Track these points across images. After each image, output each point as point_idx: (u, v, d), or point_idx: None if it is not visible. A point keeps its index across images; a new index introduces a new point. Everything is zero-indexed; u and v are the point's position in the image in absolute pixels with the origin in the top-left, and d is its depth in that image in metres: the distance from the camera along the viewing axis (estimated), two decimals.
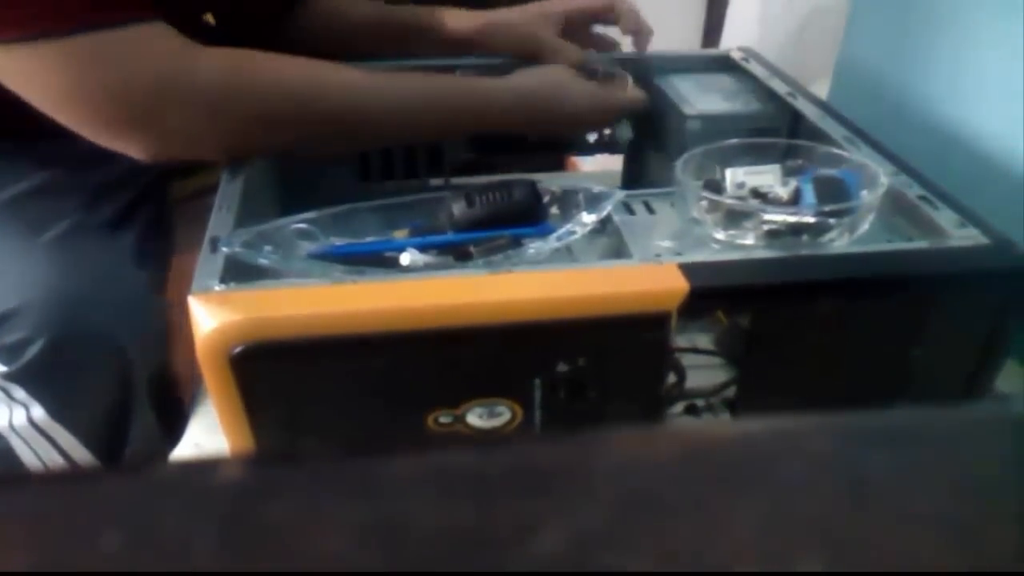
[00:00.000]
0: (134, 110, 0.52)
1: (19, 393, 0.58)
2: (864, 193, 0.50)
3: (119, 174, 0.68)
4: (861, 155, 0.56)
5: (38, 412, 0.58)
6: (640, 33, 0.74)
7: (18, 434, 0.59)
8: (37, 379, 0.57)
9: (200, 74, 0.53)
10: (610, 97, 0.69)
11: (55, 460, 0.60)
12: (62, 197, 0.63)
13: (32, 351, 0.55)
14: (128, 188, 0.69)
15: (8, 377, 0.57)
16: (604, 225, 0.54)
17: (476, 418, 0.45)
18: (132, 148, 0.54)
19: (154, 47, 0.52)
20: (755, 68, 0.73)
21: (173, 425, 0.67)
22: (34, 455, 0.60)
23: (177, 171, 0.79)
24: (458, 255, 0.51)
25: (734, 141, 0.57)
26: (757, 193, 0.52)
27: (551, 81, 0.67)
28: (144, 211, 0.69)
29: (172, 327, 0.61)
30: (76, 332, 0.55)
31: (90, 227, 0.62)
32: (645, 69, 0.74)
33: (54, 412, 0.58)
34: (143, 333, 0.59)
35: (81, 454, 0.60)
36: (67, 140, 0.54)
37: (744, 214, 0.50)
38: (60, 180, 0.65)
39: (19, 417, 0.59)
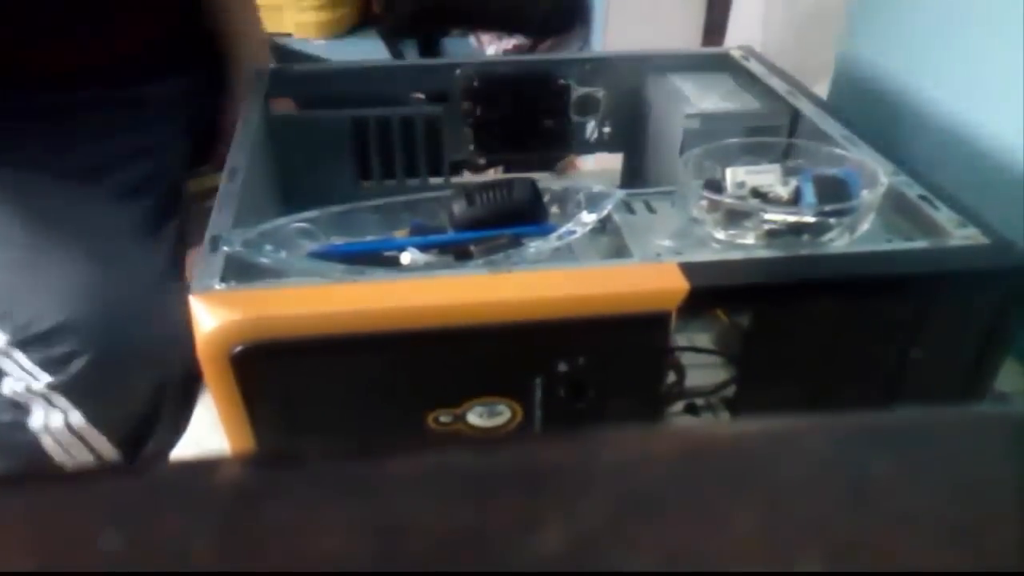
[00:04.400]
0: None
1: (61, 401, 0.60)
2: (864, 193, 0.50)
3: (145, 175, 0.70)
4: (861, 155, 0.56)
5: (76, 418, 0.60)
6: None
7: (52, 435, 0.61)
8: (80, 390, 0.59)
9: None
10: None
11: (85, 458, 0.61)
12: (91, 199, 0.65)
13: (78, 364, 0.57)
14: (155, 190, 0.70)
15: (53, 387, 0.58)
16: (604, 224, 0.54)
17: (476, 417, 0.45)
18: None
19: None
20: (755, 67, 0.73)
21: (187, 420, 0.69)
22: (64, 453, 0.62)
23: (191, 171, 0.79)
24: (458, 254, 0.51)
25: (734, 140, 0.57)
26: (757, 193, 0.52)
27: None
28: (172, 215, 0.71)
29: None
30: (121, 348, 0.58)
31: (127, 233, 0.65)
32: (645, 67, 0.74)
33: (92, 418, 0.60)
34: (180, 345, 0.61)
35: (110, 452, 0.62)
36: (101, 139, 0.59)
37: (744, 214, 0.50)
38: (89, 182, 0.66)
39: (56, 421, 0.60)
